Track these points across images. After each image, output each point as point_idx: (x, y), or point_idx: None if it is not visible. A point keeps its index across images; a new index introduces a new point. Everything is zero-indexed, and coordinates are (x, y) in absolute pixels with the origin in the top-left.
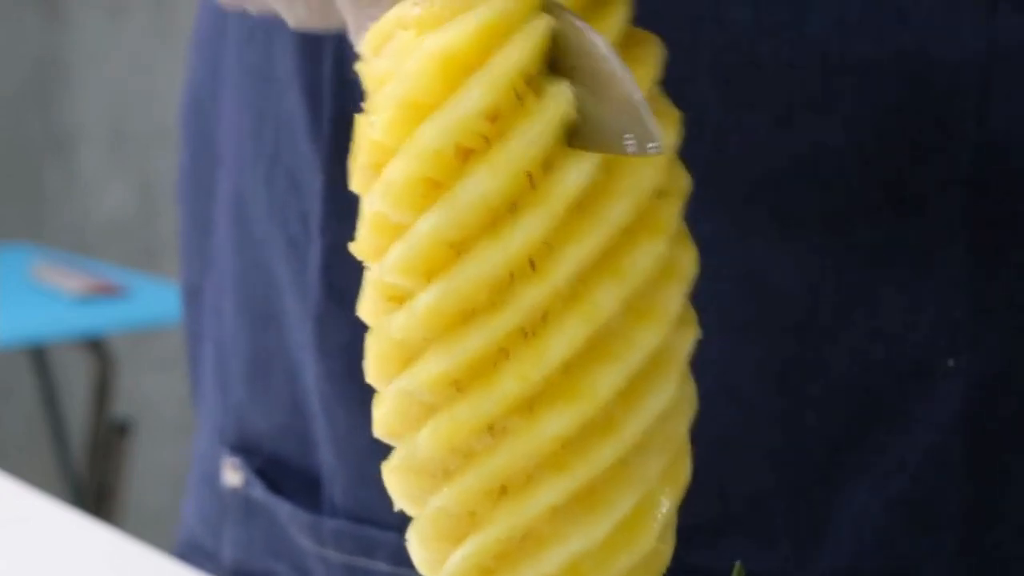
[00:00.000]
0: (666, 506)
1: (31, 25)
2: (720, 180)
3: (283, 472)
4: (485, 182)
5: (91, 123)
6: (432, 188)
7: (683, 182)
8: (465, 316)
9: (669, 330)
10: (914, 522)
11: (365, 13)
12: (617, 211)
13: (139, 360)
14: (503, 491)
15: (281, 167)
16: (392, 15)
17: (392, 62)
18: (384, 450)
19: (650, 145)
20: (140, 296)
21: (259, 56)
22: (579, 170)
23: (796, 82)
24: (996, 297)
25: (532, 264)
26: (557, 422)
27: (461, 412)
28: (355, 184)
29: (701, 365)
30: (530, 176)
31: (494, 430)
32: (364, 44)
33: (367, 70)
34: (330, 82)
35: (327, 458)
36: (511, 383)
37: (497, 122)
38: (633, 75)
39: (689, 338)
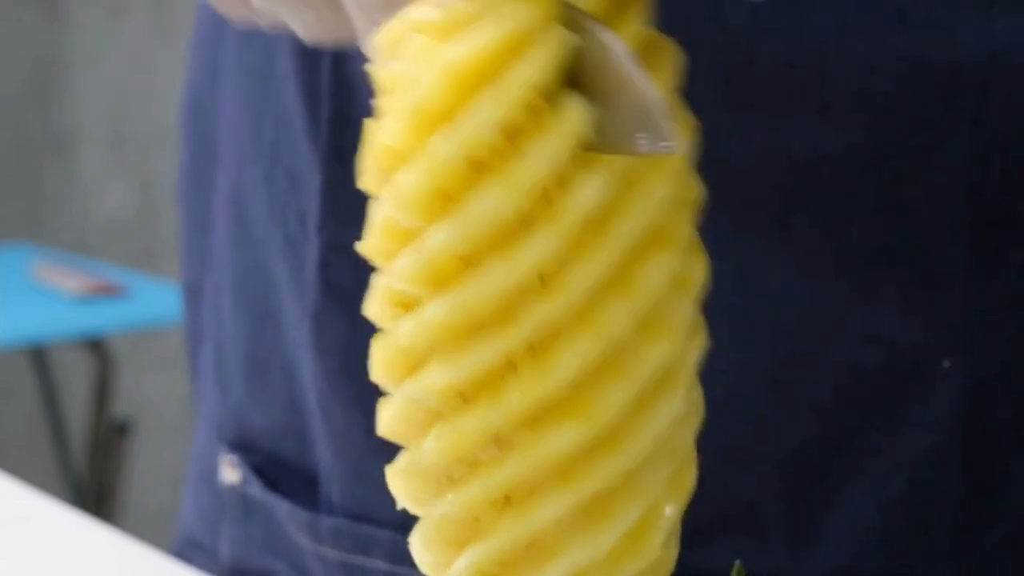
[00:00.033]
0: (671, 514)
1: (31, 25)
2: (718, 181)
3: (281, 470)
4: (498, 199)
5: (91, 123)
6: (444, 199)
7: (696, 192)
8: (473, 328)
9: (679, 343)
10: (910, 523)
11: (375, 20)
12: (630, 227)
13: (139, 360)
14: (507, 501)
15: (280, 166)
16: (406, 17)
17: (406, 66)
18: (382, 449)
19: (664, 144)
20: (140, 296)
21: (259, 56)
22: (593, 187)
23: (795, 83)
24: (992, 299)
25: (543, 279)
26: (563, 438)
27: (466, 423)
28: (364, 184)
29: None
30: (544, 192)
31: (500, 442)
32: (375, 43)
33: (379, 72)
34: (328, 82)
35: (324, 456)
36: (518, 398)
37: (511, 136)
38: (649, 76)
39: (698, 348)
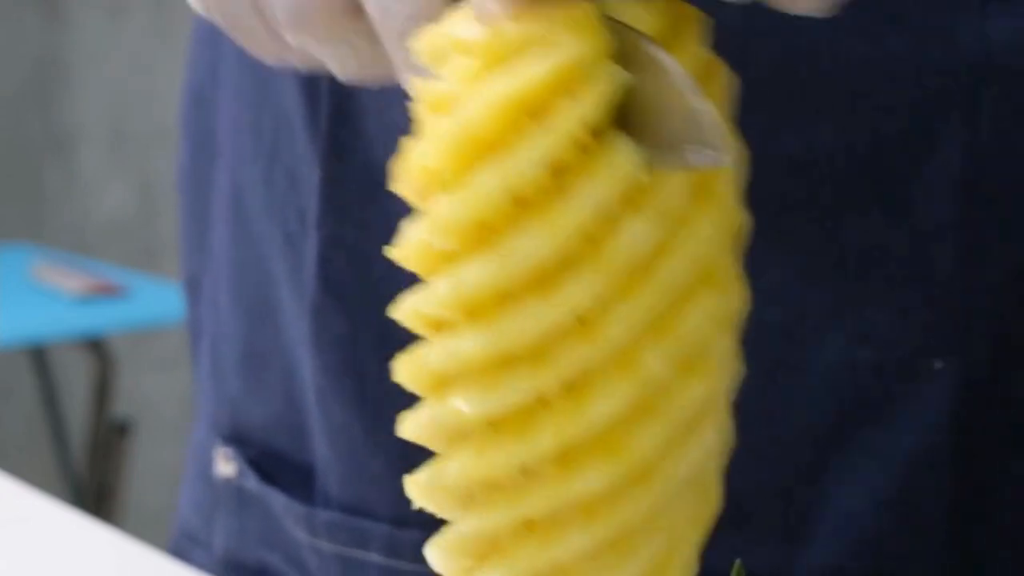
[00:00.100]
0: (693, 545)
1: (31, 25)
2: None
3: (276, 463)
4: (540, 239)
5: (91, 123)
6: (483, 230)
7: (742, 223)
8: (506, 362)
9: (716, 381)
10: (900, 522)
11: (417, 64)
12: (677, 270)
13: (139, 360)
14: (530, 527)
15: (279, 163)
16: (449, 32)
17: (449, 87)
18: (380, 445)
19: (717, 156)
20: (140, 296)
21: None
22: (640, 230)
23: (789, 83)
24: (984, 299)
25: (582, 320)
26: (592, 477)
27: (494, 455)
28: (401, 191)
29: None
30: (588, 232)
31: (526, 472)
32: (416, 50)
33: (419, 86)
34: (328, 78)
35: (321, 450)
36: (549, 437)
37: (557, 172)
38: (702, 91)
39: (732, 378)
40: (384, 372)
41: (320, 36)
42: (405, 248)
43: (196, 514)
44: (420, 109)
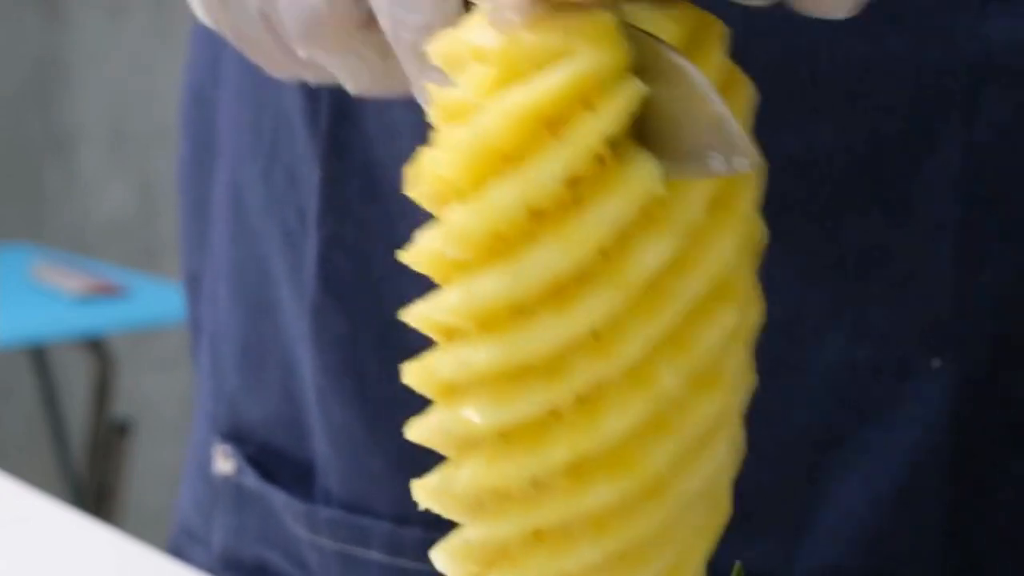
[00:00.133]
0: (702, 555)
1: (31, 25)
2: None
3: (275, 460)
4: (556, 255)
5: (91, 123)
6: (498, 242)
7: (761, 236)
8: (519, 375)
9: (730, 396)
10: (900, 521)
11: (429, 76)
12: (695, 287)
13: (139, 360)
14: (539, 537)
15: (278, 162)
16: (467, 38)
17: (465, 95)
18: (380, 443)
19: (740, 161)
20: (140, 296)
21: None
22: (657, 249)
23: (789, 83)
24: (982, 299)
25: (597, 336)
26: (604, 492)
27: (505, 467)
28: (414, 195)
29: None
30: (604, 248)
31: (537, 484)
32: (432, 54)
33: (434, 92)
34: None
35: (322, 448)
36: (561, 451)
37: (575, 187)
38: (724, 98)
39: (746, 391)
40: (384, 372)
41: (331, 48)
42: (418, 254)
43: (195, 511)
44: (435, 115)
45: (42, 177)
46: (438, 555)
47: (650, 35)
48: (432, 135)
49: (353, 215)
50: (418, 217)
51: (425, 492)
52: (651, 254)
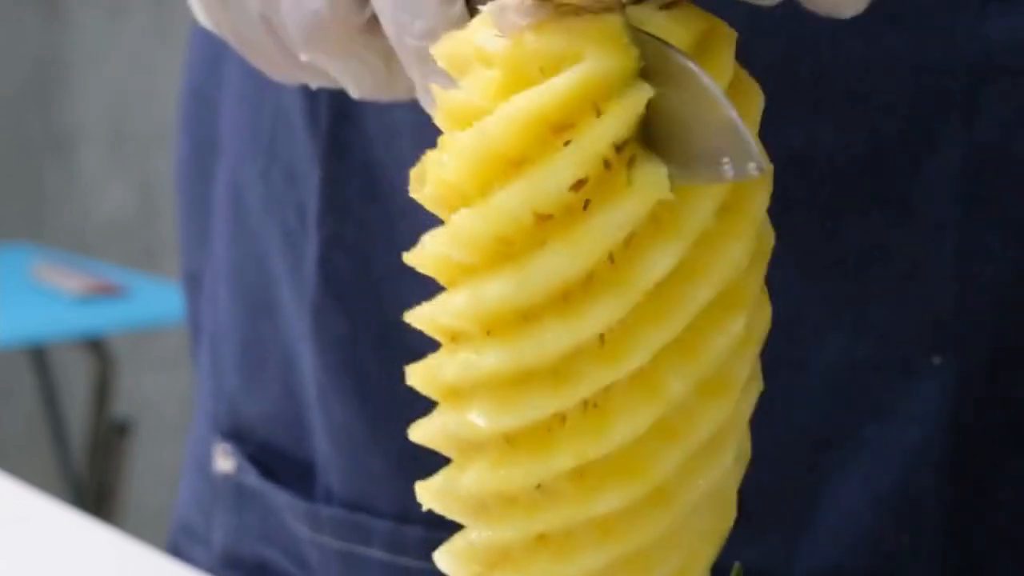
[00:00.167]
0: (707, 560)
1: (31, 25)
2: None
3: (275, 459)
4: (563, 260)
5: (91, 123)
6: (505, 246)
7: (769, 243)
8: (524, 379)
9: (738, 401)
10: (899, 521)
11: (434, 80)
12: (703, 294)
13: (139, 360)
14: (543, 540)
15: (277, 160)
16: (472, 40)
17: (471, 98)
18: (382, 442)
19: (751, 165)
20: (140, 296)
21: None
22: (665, 256)
23: (790, 82)
24: (982, 299)
25: (603, 341)
26: (610, 497)
27: (510, 471)
28: (418, 197)
29: None
30: (612, 253)
31: (542, 488)
32: (437, 56)
33: (440, 95)
34: None
35: (323, 447)
36: (567, 456)
37: (582, 191)
38: (733, 103)
39: (754, 397)
40: (385, 371)
41: (333, 53)
42: (423, 257)
43: (195, 510)
44: (440, 119)
45: (42, 177)
46: (441, 556)
47: (658, 39)
48: (437, 138)
49: (353, 215)
50: (419, 217)
51: (429, 494)
52: (659, 260)
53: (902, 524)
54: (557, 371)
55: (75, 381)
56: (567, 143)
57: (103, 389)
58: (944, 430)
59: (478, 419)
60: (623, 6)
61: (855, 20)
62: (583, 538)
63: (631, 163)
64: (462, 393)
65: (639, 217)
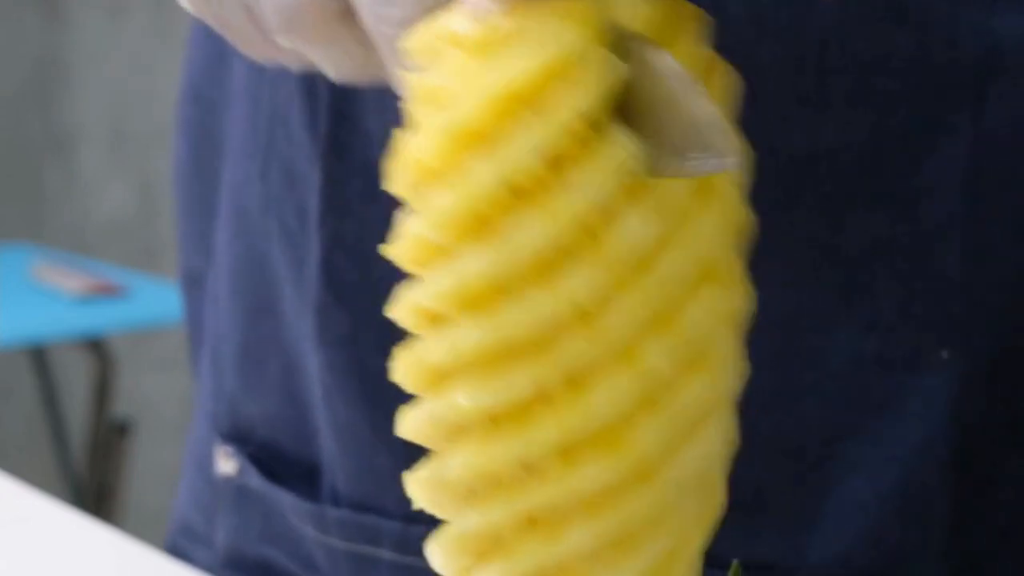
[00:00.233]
0: (696, 545)
1: (31, 25)
2: None
3: (278, 460)
4: (538, 230)
5: (91, 123)
6: (480, 222)
7: (747, 221)
8: (506, 355)
9: (720, 379)
10: (904, 516)
11: (410, 67)
12: (679, 264)
13: (139, 360)
14: (532, 523)
15: (275, 160)
16: (440, 27)
17: (442, 81)
18: (387, 442)
19: (720, 162)
20: (140, 296)
21: None
22: (640, 223)
23: (794, 80)
24: (988, 295)
25: (582, 313)
26: (594, 472)
27: (496, 450)
28: (393, 189)
29: None
30: (587, 224)
31: (528, 467)
32: (409, 48)
33: (412, 81)
34: (326, 79)
35: (328, 447)
36: (550, 431)
37: (555, 164)
38: (703, 93)
39: (738, 378)
40: (388, 371)
41: (312, 39)
42: (400, 244)
43: (196, 511)
44: (412, 103)
45: (42, 177)
46: (431, 549)
47: (626, 30)
48: (410, 123)
49: (354, 215)
50: None
51: (417, 483)
52: (633, 229)
53: (908, 519)
54: (538, 345)
55: (75, 381)
56: (537, 117)
57: (103, 389)
58: (949, 427)
59: (463, 398)
60: None
61: (860, 16)
62: (571, 517)
63: (603, 137)
64: (447, 375)
65: (612, 186)
